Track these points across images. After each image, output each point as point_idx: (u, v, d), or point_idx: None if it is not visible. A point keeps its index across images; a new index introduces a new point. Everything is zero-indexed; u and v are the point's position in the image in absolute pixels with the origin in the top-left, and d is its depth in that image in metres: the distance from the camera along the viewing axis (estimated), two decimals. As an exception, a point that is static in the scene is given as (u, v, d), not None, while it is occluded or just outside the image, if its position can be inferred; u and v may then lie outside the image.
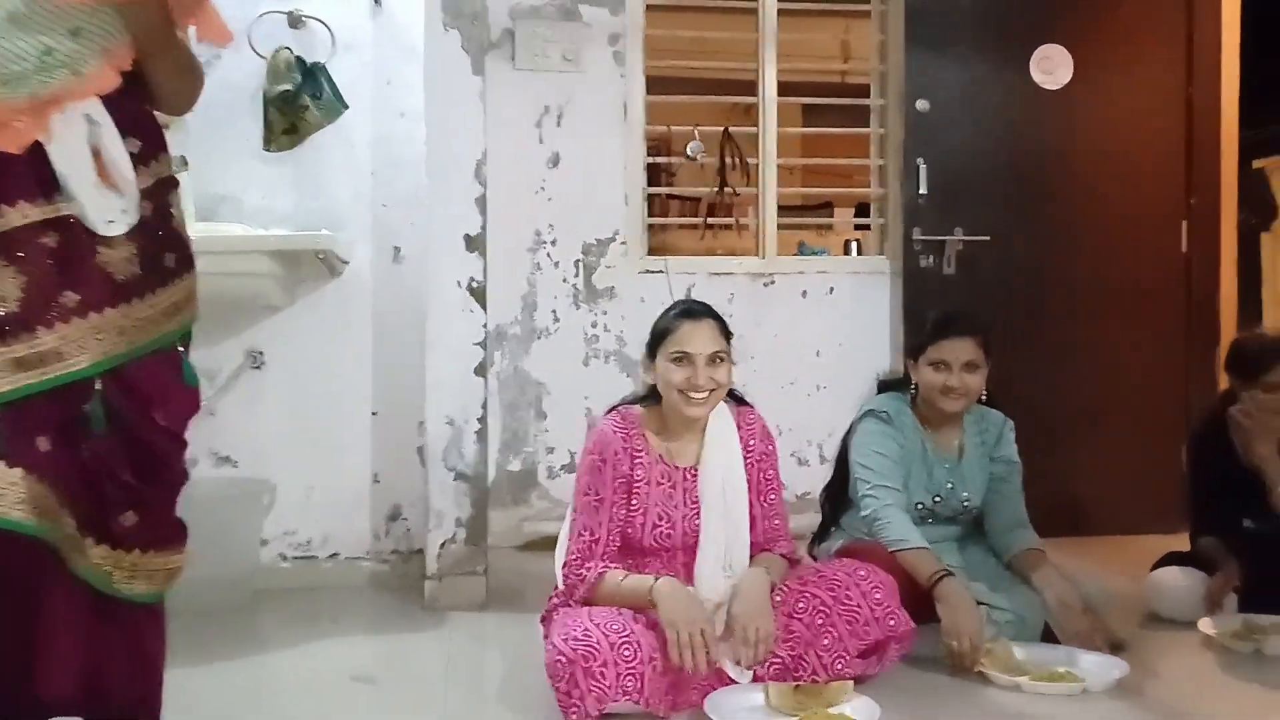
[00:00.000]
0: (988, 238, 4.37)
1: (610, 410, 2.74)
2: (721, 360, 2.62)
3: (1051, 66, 4.42)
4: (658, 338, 2.66)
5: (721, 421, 2.72)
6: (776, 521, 2.76)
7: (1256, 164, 5.47)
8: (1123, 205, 4.46)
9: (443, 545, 3.46)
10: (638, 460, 2.64)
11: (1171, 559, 3.33)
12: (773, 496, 2.76)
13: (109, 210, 1.92)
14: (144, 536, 1.95)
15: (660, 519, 2.65)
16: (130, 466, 1.93)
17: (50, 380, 1.86)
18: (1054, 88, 4.42)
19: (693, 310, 2.69)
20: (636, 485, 2.64)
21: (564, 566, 2.62)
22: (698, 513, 2.66)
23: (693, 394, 2.59)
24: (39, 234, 1.88)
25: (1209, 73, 4.53)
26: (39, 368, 1.86)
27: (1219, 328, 4.54)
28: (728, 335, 2.67)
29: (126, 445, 1.93)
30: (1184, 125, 4.51)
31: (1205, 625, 3.01)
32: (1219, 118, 4.55)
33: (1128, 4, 4.48)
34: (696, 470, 2.69)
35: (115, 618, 1.93)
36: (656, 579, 2.50)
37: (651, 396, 2.71)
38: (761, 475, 2.74)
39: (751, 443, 2.74)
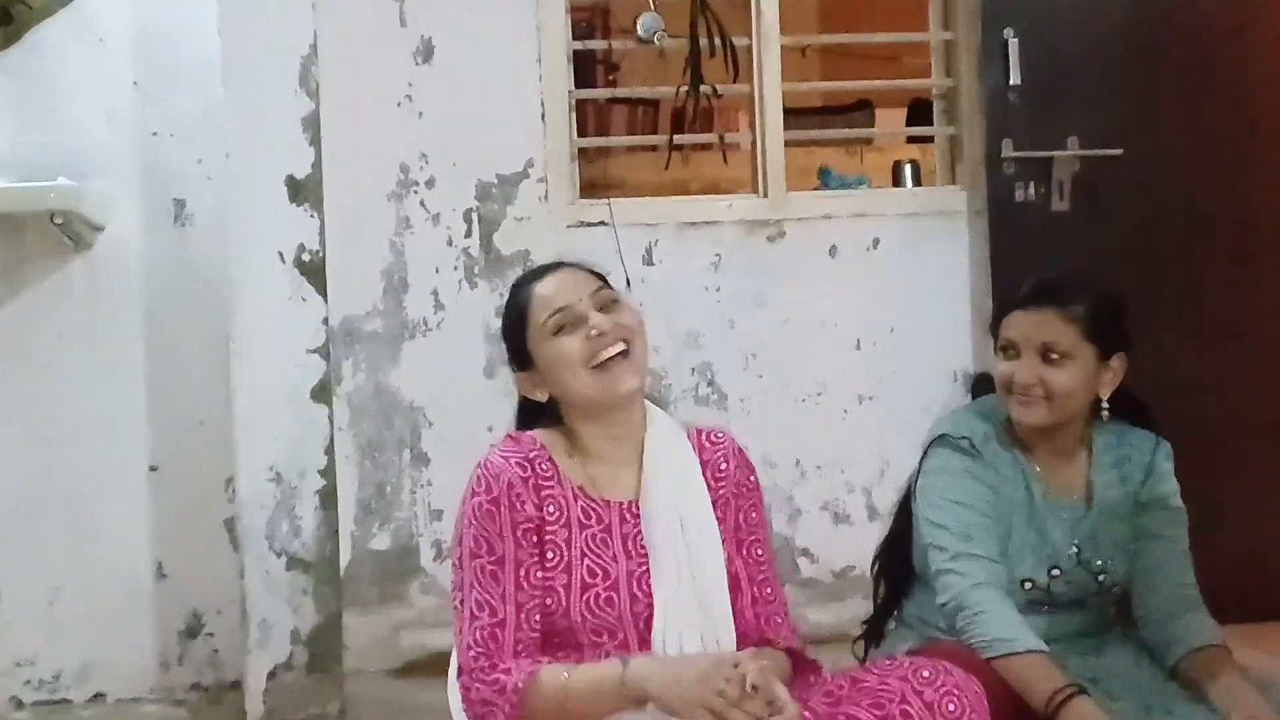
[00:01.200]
0: (1120, 151, 4.42)
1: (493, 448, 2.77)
2: (614, 300, 2.69)
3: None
4: (514, 325, 2.72)
5: (664, 431, 2.75)
6: (768, 589, 2.77)
7: None
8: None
9: (272, 674, 3.46)
10: (547, 494, 2.66)
11: None
12: (760, 550, 2.76)
13: None
14: None
15: (593, 576, 2.65)
16: None
17: None
18: None
19: (537, 272, 2.80)
20: (550, 531, 2.65)
21: (462, 675, 2.62)
22: (647, 569, 2.68)
23: (604, 353, 2.63)
24: None
25: None
26: None
27: None
28: (603, 277, 2.76)
29: None
30: None
31: None
32: None
33: None
34: (637, 507, 2.71)
35: None
36: (625, 661, 2.51)
37: (543, 416, 2.75)
38: (741, 517, 2.74)
39: (722, 467, 2.75)
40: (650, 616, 2.64)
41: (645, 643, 2.63)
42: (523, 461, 2.66)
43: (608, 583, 2.64)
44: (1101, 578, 3.10)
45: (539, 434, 2.73)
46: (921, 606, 3.12)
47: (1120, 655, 3.11)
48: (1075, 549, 3.08)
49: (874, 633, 3.26)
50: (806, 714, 2.62)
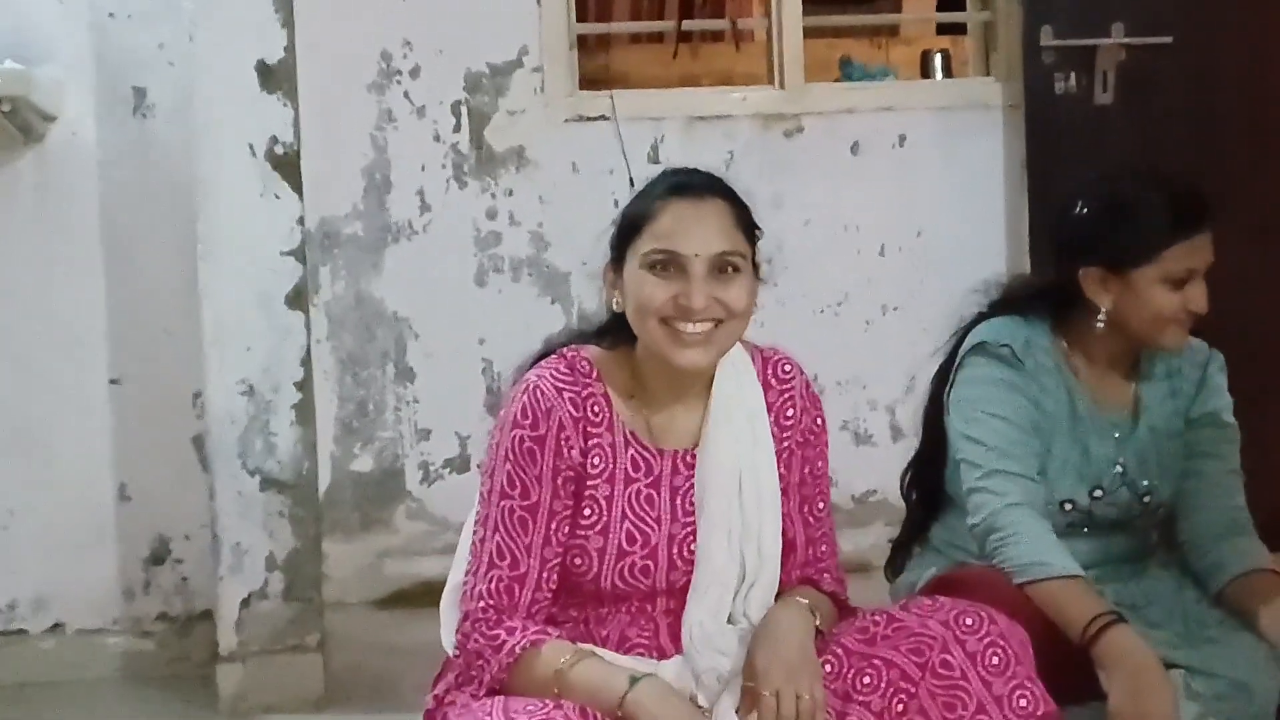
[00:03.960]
0: (1170, 39, 4.41)
1: (542, 355, 2.74)
2: (736, 270, 2.60)
3: None
4: (628, 229, 2.64)
5: (737, 377, 2.70)
6: (824, 548, 2.77)
7: None
8: None
9: (246, 603, 3.48)
10: (595, 441, 2.63)
11: None
12: (821, 505, 2.76)
13: None
14: None
15: (631, 541, 2.65)
16: None
17: None
18: None
19: (688, 183, 2.67)
20: (592, 484, 2.63)
21: (465, 620, 2.62)
22: (693, 530, 2.68)
23: (685, 326, 2.58)
24: None
25: None
26: None
27: None
28: (750, 230, 2.66)
29: None
30: None
31: None
32: None
33: None
34: (694, 457, 2.69)
35: None
36: (634, 682, 2.51)
37: (615, 332, 2.71)
38: (806, 470, 2.73)
39: (789, 413, 2.73)
40: (687, 584, 2.64)
41: (675, 607, 2.64)
42: (576, 399, 2.62)
43: (646, 550, 2.62)
44: (1147, 499, 3.11)
45: (597, 358, 2.69)
46: (951, 530, 3.13)
47: (1162, 581, 3.13)
48: (1120, 468, 3.09)
49: (900, 561, 3.27)
50: (839, 649, 2.63)
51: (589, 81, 4.62)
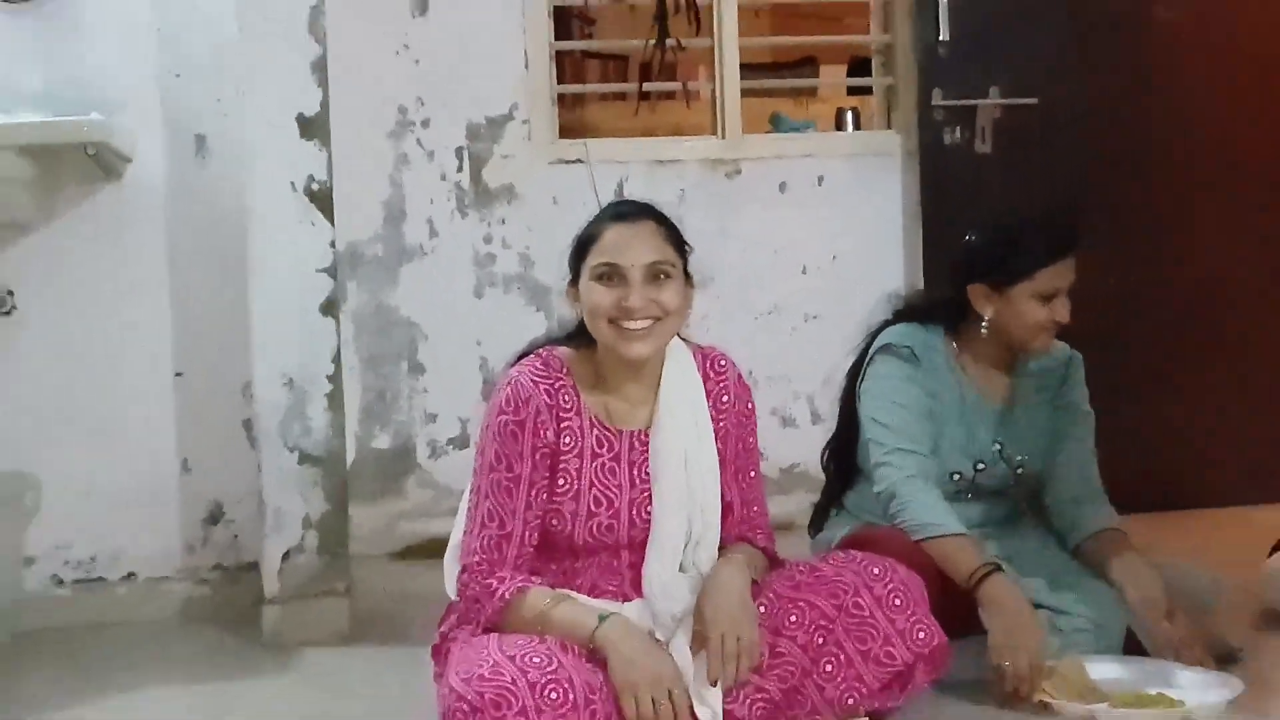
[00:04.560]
0: (1036, 100, 4.40)
1: (523, 355, 2.73)
2: (668, 275, 2.60)
3: None
4: (580, 249, 2.65)
5: (681, 370, 2.71)
6: (755, 508, 2.78)
7: None
8: (1242, 48, 4.52)
9: (286, 556, 3.45)
10: (566, 424, 2.63)
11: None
12: (751, 474, 2.78)
13: None
14: None
15: (598, 505, 2.64)
16: None
17: None
18: None
19: (624, 211, 2.69)
20: (564, 459, 2.63)
21: (463, 572, 2.61)
22: (649, 496, 2.66)
23: (627, 323, 2.57)
24: None
25: None
26: None
27: None
28: (679, 243, 2.66)
29: None
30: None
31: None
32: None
33: None
34: (647, 437, 2.69)
35: None
36: (603, 620, 2.50)
37: (581, 335, 2.70)
38: (739, 444, 2.75)
39: (724, 399, 2.74)
40: (645, 539, 2.65)
41: (636, 561, 2.66)
42: (550, 390, 2.62)
43: (610, 511, 2.64)
44: (1019, 470, 3.13)
45: (568, 356, 2.69)
46: (861, 496, 3.15)
47: (1030, 539, 3.16)
48: (998, 446, 3.11)
49: (819, 523, 3.27)
50: (770, 594, 2.63)
51: (567, 131, 4.60)
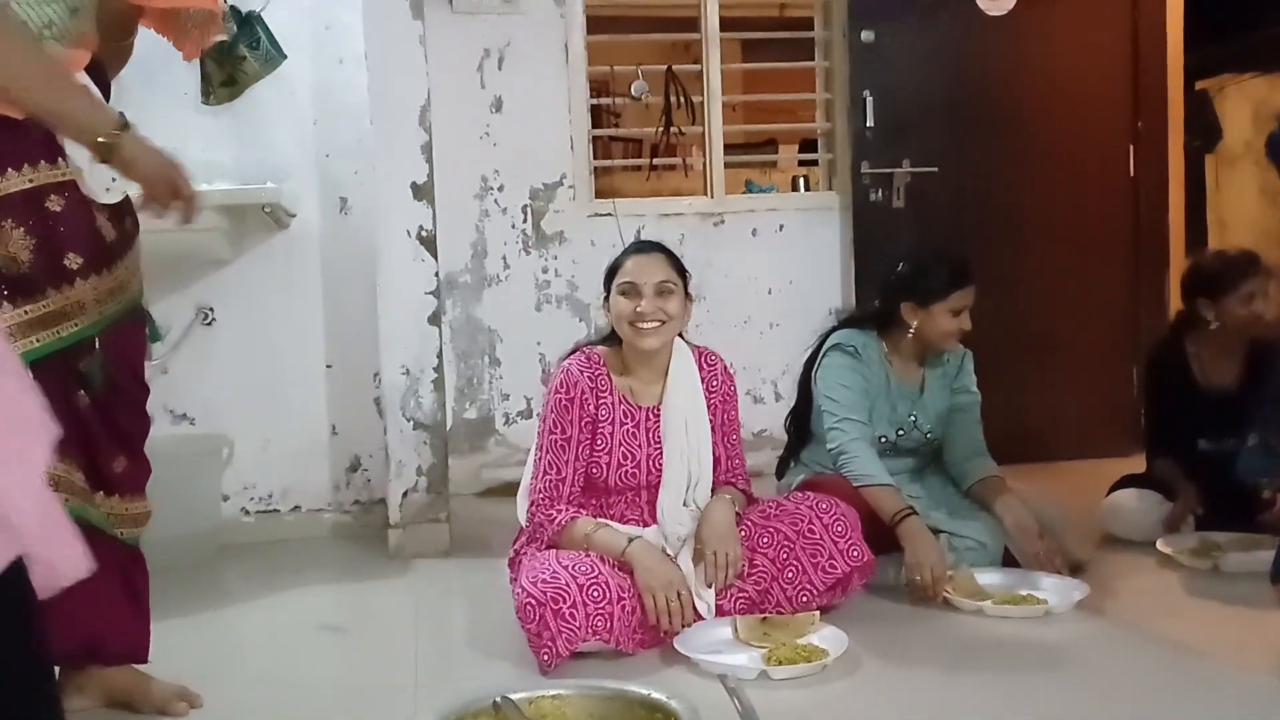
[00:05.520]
0: (936, 169, 4.38)
1: (572, 351, 2.74)
2: (671, 291, 2.62)
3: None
4: (609, 275, 2.68)
5: (683, 362, 2.73)
6: (736, 461, 2.79)
7: (1199, 85, 5.49)
8: (1070, 132, 4.47)
9: (405, 494, 3.45)
10: (602, 400, 2.64)
11: (1128, 482, 3.39)
12: (734, 437, 2.79)
13: (104, 177, 2.00)
14: (129, 481, 2.14)
15: (625, 459, 2.65)
16: (121, 416, 2.13)
17: (68, 338, 2.01)
18: (999, 14, 4.39)
19: (641, 245, 2.74)
20: (601, 425, 2.64)
21: (531, 506, 2.61)
22: (660, 452, 2.67)
23: (641, 324, 2.59)
24: (45, 197, 1.97)
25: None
26: (53, 327, 2.00)
27: (1168, 251, 4.58)
28: (680, 269, 2.67)
29: (115, 395, 2.10)
30: (1129, 48, 4.50)
31: (1163, 544, 3.08)
32: (1164, 39, 4.55)
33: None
34: (659, 410, 2.69)
35: (108, 561, 2.03)
36: (630, 541, 2.50)
37: (612, 338, 2.71)
38: (725, 416, 2.76)
39: (714, 383, 2.75)
40: (659, 482, 2.67)
41: (652, 499, 2.68)
42: (590, 375, 2.63)
43: (633, 463, 2.65)
44: (929, 435, 3.12)
45: (604, 351, 2.70)
46: (814, 453, 3.13)
47: (936, 483, 3.15)
48: (913, 418, 3.10)
49: (782, 471, 3.26)
50: (748, 522, 2.64)
51: (600, 193, 4.58)
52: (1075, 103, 4.47)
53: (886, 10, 4.34)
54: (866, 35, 4.32)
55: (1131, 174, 4.54)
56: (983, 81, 4.44)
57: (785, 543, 2.59)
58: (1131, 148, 4.53)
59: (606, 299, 2.68)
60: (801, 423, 3.18)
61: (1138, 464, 3.48)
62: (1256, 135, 5.58)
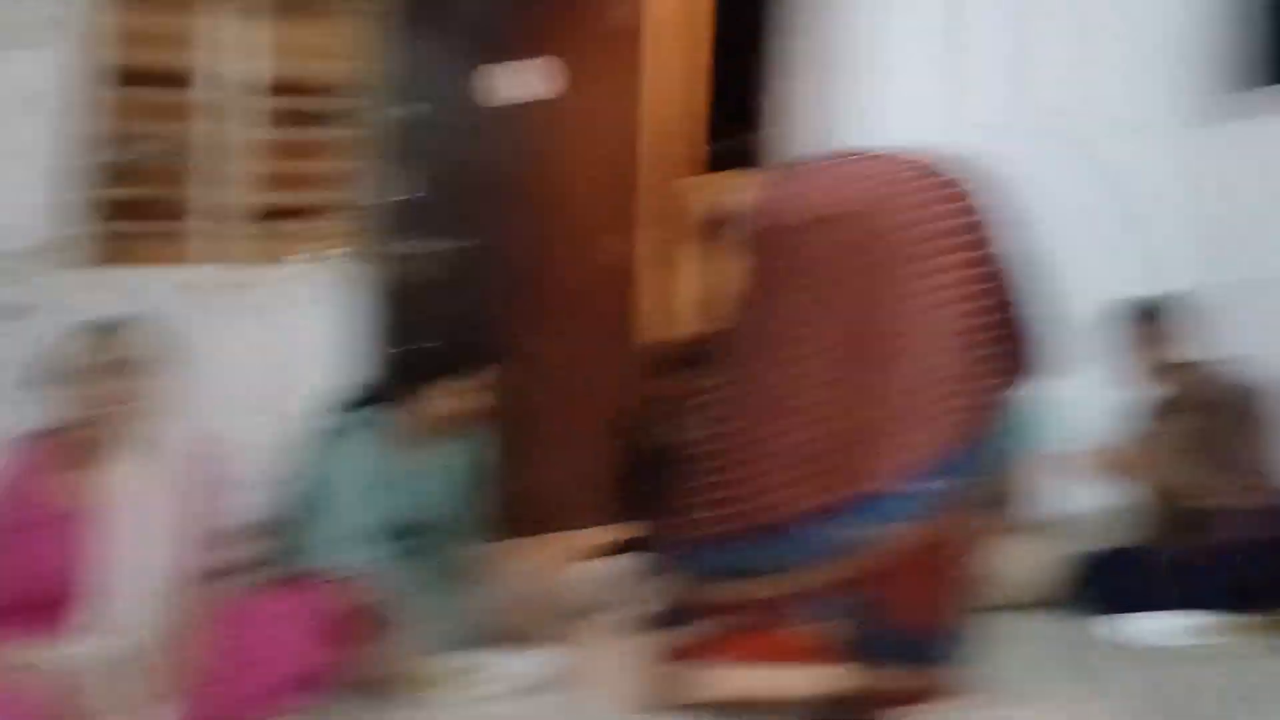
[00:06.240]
0: (472, 244, 4.45)
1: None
2: (123, 370, 2.43)
3: (535, 77, 4.56)
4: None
5: (143, 450, 2.53)
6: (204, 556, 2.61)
7: (678, 181, 5.99)
8: (583, 217, 4.78)
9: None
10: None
11: (615, 548, 3.62)
12: (206, 528, 2.61)
13: None
14: None
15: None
16: None
17: None
18: (536, 99, 4.57)
19: (92, 325, 2.50)
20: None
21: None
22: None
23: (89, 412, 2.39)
24: None
25: (659, 96, 4.99)
26: None
27: (637, 334, 4.96)
28: (141, 346, 2.50)
29: None
30: (632, 142, 4.94)
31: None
32: (661, 138, 5.03)
33: (608, 21, 4.79)
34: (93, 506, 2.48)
35: None
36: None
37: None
38: (194, 506, 2.59)
39: (183, 468, 2.56)
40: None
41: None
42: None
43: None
44: (424, 516, 3.17)
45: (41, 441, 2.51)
46: (298, 546, 3.07)
47: (427, 565, 3.14)
48: (410, 497, 3.14)
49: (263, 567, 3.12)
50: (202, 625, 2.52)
51: (108, 257, 4.21)
52: (591, 189, 4.80)
53: (422, 87, 4.37)
54: (405, 109, 4.34)
55: (621, 259, 4.93)
56: (516, 161, 4.58)
57: (243, 646, 2.50)
58: (625, 234, 4.94)
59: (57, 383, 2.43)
60: (286, 525, 3.08)
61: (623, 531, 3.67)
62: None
